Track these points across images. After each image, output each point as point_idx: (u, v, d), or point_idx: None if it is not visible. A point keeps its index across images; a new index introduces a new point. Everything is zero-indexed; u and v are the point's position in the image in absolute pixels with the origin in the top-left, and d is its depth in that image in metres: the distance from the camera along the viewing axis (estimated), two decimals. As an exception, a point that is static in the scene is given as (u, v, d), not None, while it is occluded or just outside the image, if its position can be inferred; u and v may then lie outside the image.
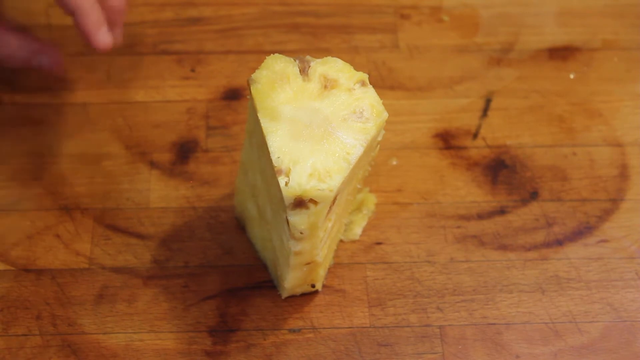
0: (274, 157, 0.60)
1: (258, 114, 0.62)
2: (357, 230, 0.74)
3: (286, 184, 0.60)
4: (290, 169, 0.60)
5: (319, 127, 0.62)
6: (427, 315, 0.70)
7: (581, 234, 0.74)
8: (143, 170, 0.77)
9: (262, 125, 0.62)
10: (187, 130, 0.79)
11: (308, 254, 0.64)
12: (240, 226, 0.74)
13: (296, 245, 0.63)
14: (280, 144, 0.61)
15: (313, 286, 0.70)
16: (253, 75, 0.63)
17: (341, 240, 0.73)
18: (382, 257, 0.73)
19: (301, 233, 0.62)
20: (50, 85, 0.81)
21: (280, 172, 0.60)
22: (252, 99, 0.64)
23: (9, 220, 0.74)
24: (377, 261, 0.73)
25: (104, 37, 0.72)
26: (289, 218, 0.61)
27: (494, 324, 0.70)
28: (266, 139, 0.61)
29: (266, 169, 0.64)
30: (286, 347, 0.68)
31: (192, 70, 0.82)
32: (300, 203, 0.60)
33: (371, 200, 0.75)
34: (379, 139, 0.65)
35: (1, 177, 0.76)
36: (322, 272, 0.69)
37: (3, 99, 0.80)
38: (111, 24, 0.73)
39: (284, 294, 0.70)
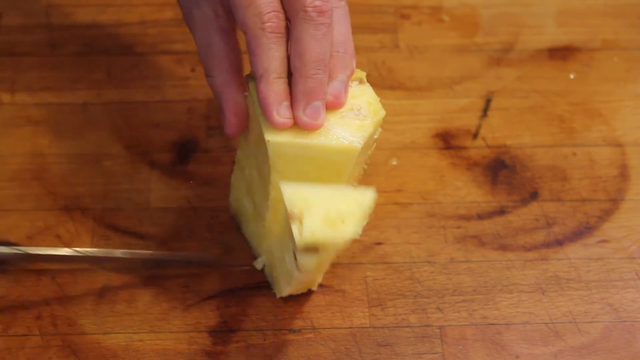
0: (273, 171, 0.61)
1: (256, 111, 0.62)
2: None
3: (299, 232, 0.58)
4: (302, 214, 0.58)
5: None
6: (427, 315, 0.70)
7: (581, 234, 0.74)
8: (143, 170, 0.77)
9: (260, 122, 0.62)
10: (187, 130, 0.79)
11: (311, 276, 0.65)
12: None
13: (300, 274, 0.63)
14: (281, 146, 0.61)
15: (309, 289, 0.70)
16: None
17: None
18: (382, 257, 0.73)
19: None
20: (50, 85, 0.81)
21: (293, 216, 0.58)
22: (250, 95, 0.64)
23: (9, 220, 0.74)
24: (377, 261, 0.73)
25: (282, 113, 0.61)
26: (298, 259, 0.60)
27: (494, 324, 0.70)
28: (264, 136, 0.61)
29: (262, 165, 0.64)
30: (286, 347, 0.68)
31: (192, 70, 0.82)
32: (312, 249, 0.59)
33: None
34: (376, 136, 0.65)
35: (1, 177, 0.76)
36: (319, 279, 0.70)
37: (3, 99, 0.80)
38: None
39: (279, 295, 0.70)
